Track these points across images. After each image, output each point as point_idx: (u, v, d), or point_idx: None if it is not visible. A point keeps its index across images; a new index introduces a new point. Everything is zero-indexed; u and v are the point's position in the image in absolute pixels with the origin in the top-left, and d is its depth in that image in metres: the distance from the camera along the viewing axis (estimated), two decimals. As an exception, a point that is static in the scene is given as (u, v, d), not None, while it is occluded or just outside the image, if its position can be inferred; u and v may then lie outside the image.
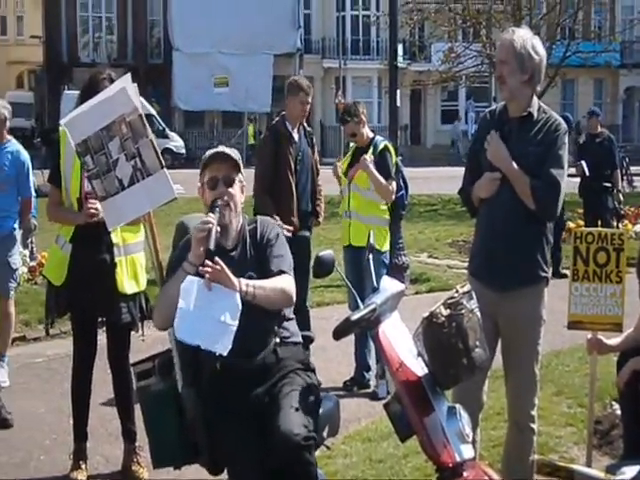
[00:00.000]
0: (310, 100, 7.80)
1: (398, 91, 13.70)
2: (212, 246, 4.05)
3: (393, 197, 7.73)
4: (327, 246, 7.74)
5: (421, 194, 23.49)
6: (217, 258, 4.02)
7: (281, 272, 4.23)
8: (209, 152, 4.43)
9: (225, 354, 3.94)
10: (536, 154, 4.64)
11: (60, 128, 5.46)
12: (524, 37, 4.70)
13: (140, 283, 5.72)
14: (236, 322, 3.97)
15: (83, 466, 5.72)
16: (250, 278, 4.18)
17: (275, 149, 7.63)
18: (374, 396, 7.30)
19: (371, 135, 7.78)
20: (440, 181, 25.78)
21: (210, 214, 4.19)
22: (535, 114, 4.73)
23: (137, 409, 5.80)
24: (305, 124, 8.00)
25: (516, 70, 4.67)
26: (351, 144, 8.29)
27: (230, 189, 4.31)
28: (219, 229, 4.14)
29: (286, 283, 4.22)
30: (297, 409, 3.99)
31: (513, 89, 4.70)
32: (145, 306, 5.78)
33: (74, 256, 5.57)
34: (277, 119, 8.00)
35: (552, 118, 4.75)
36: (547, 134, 4.69)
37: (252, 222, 4.44)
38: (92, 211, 5.37)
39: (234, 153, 4.39)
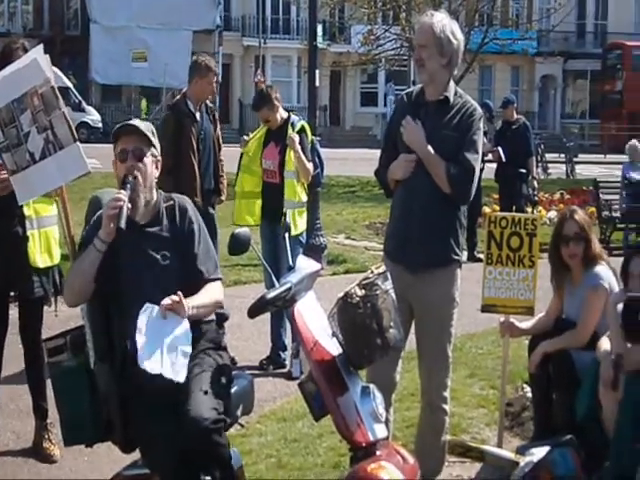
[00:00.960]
0: (218, 79, 7.78)
1: (317, 71, 13.67)
2: (123, 225, 4.00)
3: (311, 175, 7.75)
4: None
5: (339, 175, 23.56)
6: (180, 294, 3.98)
7: (210, 280, 4.22)
8: (121, 124, 4.36)
9: (182, 382, 3.91)
10: (451, 138, 4.68)
11: None
12: (443, 21, 4.73)
13: (54, 257, 5.63)
14: (190, 349, 3.97)
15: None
16: (164, 258, 4.15)
17: (176, 128, 7.55)
18: (289, 375, 7.32)
19: (285, 115, 7.74)
20: (358, 163, 25.88)
21: (122, 191, 4.10)
22: (451, 98, 4.77)
23: (49, 386, 5.77)
24: (207, 101, 7.93)
25: (435, 54, 4.70)
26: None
27: (140, 163, 4.21)
28: (130, 206, 4.07)
29: (217, 293, 4.24)
30: (206, 392, 3.97)
31: (432, 72, 4.73)
32: (59, 281, 5.69)
33: None
34: (178, 97, 7.93)
35: (468, 103, 4.79)
36: (463, 119, 4.73)
37: (169, 199, 4.36)
38: (5, 183, 5.25)
39: (144, 126, 4.29)
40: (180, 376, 3.91)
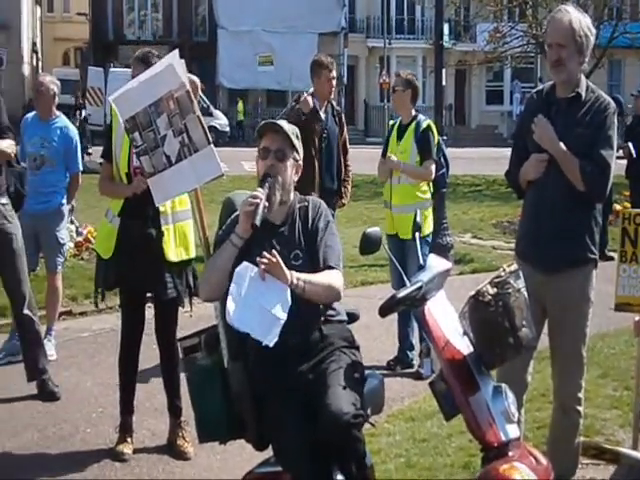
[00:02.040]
0: (334, 75, 7.86)
1: (444, 71, 13.58)
2: (258, 221, 4.06)
3: (432, 176, 7.74)
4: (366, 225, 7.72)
5: (465, 174, 23.37)
6: (274, 251, 4.02)
7: (329, 267, 4.20)
8: (266, 121, 4.42)
9: (271, 345, 3.95)
10: (585, 135, 4.58)
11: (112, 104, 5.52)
12: (579, 18, 4.61)
13: (190, 251, 5.75)
14: (285, 316, 3.98)
15: (129, 439, 5.80)
16: (296, 258, 4.18)
17: (298, 123, 7.61)
18: (417, 375, 7.31)
19: (414, 113, 7.77)
20: (484, 162, 25.63)
21: (259, 188, 4.18)
22: (583, 94, 4.66)
23: (183, 384, 5.90)
24: (334, 103, 8.00)
25: (575, 53, 4.60)
26: (390, 121, 8.31)
27: (280, 163, 4.28)
28: (267, 204, 4.14)
29: (334, 279, 4.18)
30: (345, 387, 4.00)
31: (571, 72, 4.63)
32: (192, 282, 5.81)
33: (122, 228, 5.64)
34: (305, 95, 8.02)
35: (601, 98, 4.67)
36: (596, 114, 4.61)
37: (303, 200, 4.42)
38: (140, 183, 5.42)
39: (289, 128, 4.35)
40: (269, 339, 3.93)
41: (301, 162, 4.41)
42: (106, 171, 5.82)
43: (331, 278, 4.17)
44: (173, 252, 5.65)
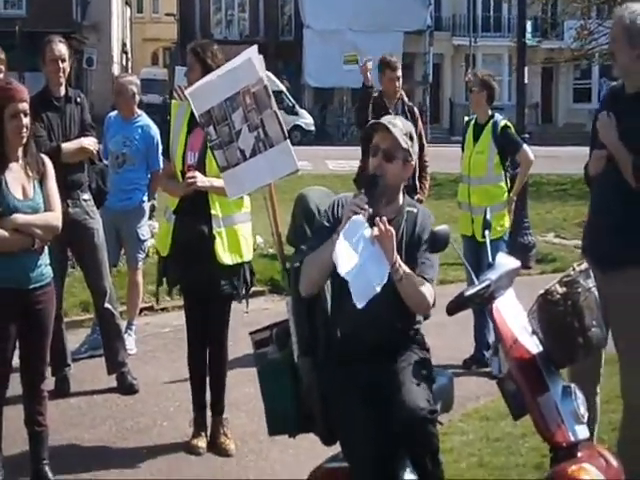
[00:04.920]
0: (399, 75, 7.99)
1: (526, 69, 13.42)
2: None
3: (532, 158, 7.93)
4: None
5: (550, 173, 23.08)
6: (390, 228, 3.97)
7: (424, 279, 4.16)
8: (383, 120, 4.34)
9: (359, 307, 3.90)
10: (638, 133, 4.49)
11: (173, 101, 5.64)
12: (636, 11, 4.54)
13: (243, 254, 5.77)
14: (379, 289, 3.92)
15: (203, 434, 5.88)
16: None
17: (367, 116, 7.67)
18: (493, 374, 7.27)
19: (490, 112, 7.80)
20: (571, 160, 25.23)
21: (363, 197, 4.07)
22: None
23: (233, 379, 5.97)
24: (406, 99, 8.05)
25: (625, 46, 4.53)
26: (465, 118, 8.30)
27: (389, 163, 4.21)
28: (371, 211, 4.05)
29: (428, 291, 4.14)
30: (419, 384, 4.04)
31: (623, 65, 4.60)
32: (250, 278, 5.87)
33: (176, 227, 5.73)
34: (376, 95, 8.15)
35: None
36: None
37: (413, 205, 4.37)
38: (189, 181, 5.52)
39: (401, 129, 4.25)
40: (360, 301, 3.90)
41: (413, 162, 4.33)
42: (167, 169, 5.96)
43: (426, 289, 4.14)
44: (227, 255, 5.68)
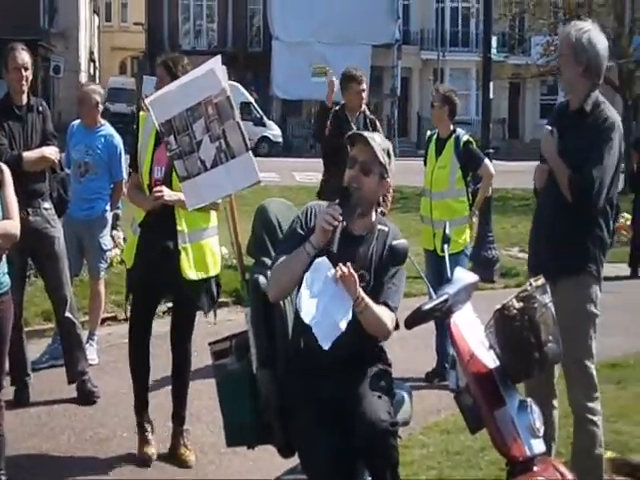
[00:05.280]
0: (364, 87, 7.92)
1: (492, 84, 13.52)
2: (335, 249, 4.04)
3: (493, 172, 8.06)
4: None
5: (516, 188, 23.24)
6: (353, 272, 3.98)
7: (388, 306, 4.19)
8: (358, 132, 4.38)
9: (325, 348, 3.95)
10: (582, 150, 4.65)
11: (141, 113, 5.61)
12: (583, 29, 4.71)
13: (209, 269, 5.76)
14: (344, 327, 3.97)
15: (150, 438, 5.85)
16: (362, 279, 4.13)
17: (337, 132, 7.64)
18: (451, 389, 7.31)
19: (451, 127, 7.85)
20: (536, 176, 25.39)
21: (337, 208, 4.08)
22: (588, 109, 4.73)
23: (195, 390, 5.94)
24: (367, 111, 8.03)
25: (571, 62, 4.70)
26: (428, 132, 8.36)
27: (365, 177, 4.22)
28: (345, 224, 4.08)
29: (389, 318, 4.17)
30: (380, 397, 4.06)
31: (569, 80, 4.79)
32: (216, 291, 5.87)
33: (142, 240, 5.71)
34: (337, 108, 8.06)
35: (604, 114, 4.73)
36: (593, 129, 4.69)
37: (384, 224, 4.38)
38: (156, 195, 5.50)
39: (380, 144, 4.27)
40: (325, 343, 3.94)
41: (389, 180, 4.33)
42: (133, 180, 5.94)
43: (387, 316, 4.17)
44: (192, 271, 5.67)
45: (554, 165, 4.75)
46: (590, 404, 4.80)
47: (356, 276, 3.99)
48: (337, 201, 4.16)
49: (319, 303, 3.97)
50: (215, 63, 4.79)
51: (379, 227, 4.32)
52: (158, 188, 5.54)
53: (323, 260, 4.02)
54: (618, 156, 4.73)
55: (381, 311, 4.14)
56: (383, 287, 4.22)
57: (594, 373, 4.83)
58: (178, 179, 5.00)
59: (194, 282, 5.69)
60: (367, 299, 4.07)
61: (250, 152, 4.76)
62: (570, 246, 4.74)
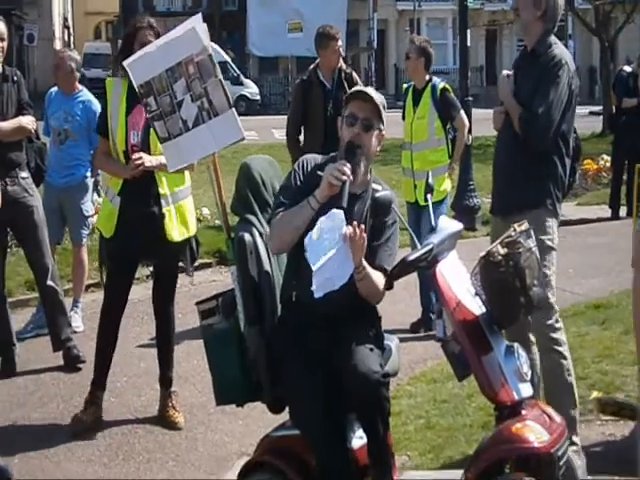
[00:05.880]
0: (340, 44, 7.85)
1: (469, 32, 13.44)
2: (344, 203, 3.99)
3: (467, 122, 8.13)
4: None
5: (495, 135, 23.15)
6: (365, 236, 3.94)
7: (383, 270, 4.16)
8: (356, 88, 4.34)
9: (316, 296, 3.94)
10: (530, 88, 4.87)
11: (107, 78, 5.55)
12: None
13: (190, 228, 5.78)
14: (338, 287, 3.95)
15: (92, 408, 5.80)
16: None
17: (304, 95, 7.80)
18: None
19: (427, 77, 7.80)
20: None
21: (347, 163, 4.06)
22: (540, 50, 4.89)
23: (182, 352, 5.95)
24: (344, 66, 7.96)
25: (530, 5, 4.90)
26: (404, 85, 8.33)
27: (367, 133, 4.20)
28: (352, 179, 4.05)
29: (382, 283, 4.17)
30: (372, 349, 4.06)
31: (525, 23, 4.97)
32: (196, 250, 5.89)
33: (123, 209, 5.62)
34: (311, 67, 8.02)
35: (552, 54, 4.89)
36: (542, 69, 4.88)
37: (378, 182, 4.35)
38: (137, 162, 5.44)
39: (379, 98, 4.26)
40: (318, 292, 3.93)
41: (385, 132, 4.33)
42: (102, 146, 5.80)
43: (381, 282, 4.16)
44: (176, 232, 5.67)
45: (508, 105, 4.96)
46: (553, 335, 4.88)
47: (365, 240, 3.96)
48: (343, 156, 4.13)
49: (325, 252, 3.93)
50: (196, 22, 4.73)
51: (373, 186, 4.29)
52: (137, 155, 5.48)
53: (340, 213, 3.96)
54: (568, 93, 4.87)
55: (377, 278, 4.14)
56: (379, 250, 4.20)
57: (555, 306, 4.90)
58: (159, 140, 4.92)
59: (177, 243, 5.69)
60: (368, 268, 4.06)
61: (233, 109, 4.71)
62: (523, 182, 4.89)
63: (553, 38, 4.94)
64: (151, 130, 5.29)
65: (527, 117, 4.81)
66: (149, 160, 5.50)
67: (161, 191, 5.60)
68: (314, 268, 3.91)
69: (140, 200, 5.60)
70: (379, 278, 4.14)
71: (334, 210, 3.96)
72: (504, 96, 5.00)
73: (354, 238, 3.92)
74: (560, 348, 4.88)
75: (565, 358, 4.89)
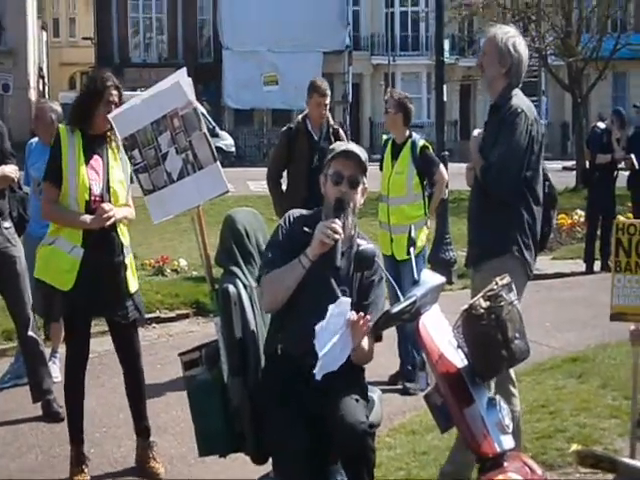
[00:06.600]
0: (327, 101, 7.90)
1: (445, 86, 13.64)
2: (339, 262, 4.09)
3: (447, 176, 8.32)
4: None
5: (469, 190, 23.34)
6: (370, 324, 4.02)
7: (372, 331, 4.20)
8: (339, 146, 4.43)
9: (317, 378, 3.97)
10: (492, 141, 5.02)
11: (60, 126, 5.54)
12: (508, 34, 5.07)
13: (136, 280, 5.80)
14: (336, 368, 4.01)
15: (86, 470, 5.71)
16: (344, 293, 4.20)
17: (290, 142, 7.86)
18: (405, 391, 7.42)
19: (407, 133, 7.86)
20: (490, 176, 25.58)
21: (337, 221, 4.15)
22: (502, 102, 5.03)
23: (161, 403, 5.91)
24: (332, 120, 8.09)
25: (495, 62, 5.03)
26: (384, 136, 8.41)
27: (353, 190, 4.28)
28: (343, 237, 4.14)
29: (372, 348, 4.30)
30: (357, 400, 4.12)
31: (490, 79, 5.10)
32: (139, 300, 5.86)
33: (86, 260, 5.44)
34: (300, 117, 8.11)
35: (509, 104, 5.01)
36: (501, 120, 5.02)
37: (362, 237, 4.43)
38: (108, 214, 5.37)
39: (362, 153, 4.35)
40: (319, 373, 3.97)
41: (367, 186, 4.41)
42: (52, 194, 5.51)
43: (371, 346, 4.28)
44: (133, 283, 5.68)
45: (474, 160, 5.12)
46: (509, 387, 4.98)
47: (369, 326, 4.03)
48: (332, 214, 4.21)
49: (331, 338, 4.00)
50: (180, 75, 4.80)
51: (358, 241, 4.36)
52: (106, 207, 5.37)
53: (347, 300, 4.05)
54: (527, 139, 4.97)
55: (368, 344, 4.23)
56: (367, 309, 4.24)
57: None
58: (142, 192, 4.98)
59: (130, 295, 5.66)
60: (364, 343, 4.16)
61: (218, 162, 4.77)
62: (490, 231, 5.03)
63: (515, 90, 5.06)
64: (111, 182, 5.34)
65: (484, 167, 4.98)
66: (118, 212, 5.47)
67: (124, 242, 5.58)
68: (320, 354, 3.97)
69: (105, 251, 5.51)
70: (370, 344, 4.24)
71: (342, 298, 4.05)
72: (472, 150, 5.19)
73: (358, 325, 4.00)
74: (512, 400, 4.94)
75: (515, 412, 4.91)
